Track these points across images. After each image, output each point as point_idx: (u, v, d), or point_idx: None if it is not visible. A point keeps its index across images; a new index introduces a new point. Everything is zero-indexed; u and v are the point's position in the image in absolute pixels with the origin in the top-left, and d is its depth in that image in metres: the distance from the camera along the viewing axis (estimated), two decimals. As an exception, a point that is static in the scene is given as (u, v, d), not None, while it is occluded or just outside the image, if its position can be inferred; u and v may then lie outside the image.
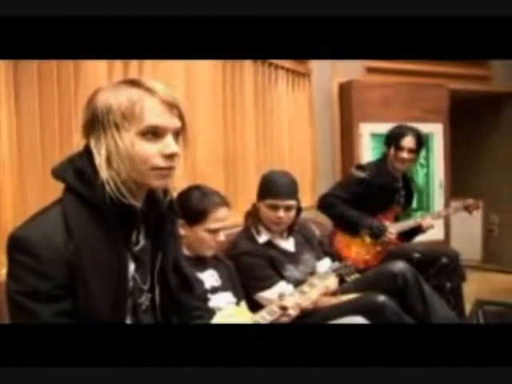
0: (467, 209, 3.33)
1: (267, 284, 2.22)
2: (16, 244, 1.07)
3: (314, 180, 4.23)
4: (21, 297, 1.05)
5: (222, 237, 1.95)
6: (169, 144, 1.11)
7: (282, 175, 2.38)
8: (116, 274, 1.13)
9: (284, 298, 1.90)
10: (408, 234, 3.24)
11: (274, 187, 2.30)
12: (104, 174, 1.08)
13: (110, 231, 1.12)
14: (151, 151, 1.10)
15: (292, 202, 2.31)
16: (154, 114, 1.10)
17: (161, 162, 1.11)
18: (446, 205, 4.58)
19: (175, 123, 1.13)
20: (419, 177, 4.68)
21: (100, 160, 1.09)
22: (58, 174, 1.14)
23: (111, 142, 1.09)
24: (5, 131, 1.77)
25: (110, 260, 1.12)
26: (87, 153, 1.12)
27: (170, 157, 1.12)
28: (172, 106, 1.12)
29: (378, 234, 3.05)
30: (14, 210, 1.80)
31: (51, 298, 1.05)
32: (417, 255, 2.96)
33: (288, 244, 2.43)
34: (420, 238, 3.34)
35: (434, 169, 4.73)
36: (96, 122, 1.10)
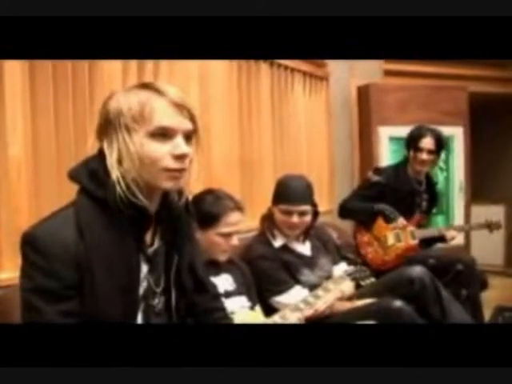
0: (489, 227, 3.30)
1: (282, 288, 2.21)
2: (27, 241, 1.09)
3: (331, 184, 4.19)
4: (28, 294, 1.07)
5: (235, 241, 1.94)
6: (179, 145, 1.11)
7: (296, 180, 2.35)
8: (127, 275, 1.14)
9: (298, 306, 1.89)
10: (427, 242, 3.20)
11: (287, 192, 2.29)
12: (114, 174, 1.10)
13: (121, 232, 1.13)
14: (161, 152, 1.11)
15: (306, 207, 2.29)
16: (163, 114, 1.11)
17: (171, 163, 1.11)
18: (467, 215, 4.61)
19: (186, 125, 1.13)
20: (439, 180, 4.61)
21: (111, 161, 1.11)
22: (72, 175, 1.17)
23: (122, 144, 1.11)
24: (20, 132, 1.79)
25: (121, 261, 1.12)
26: (101, 155, 1.15)
27: (181, 158, 1.12)
28: (182, 108, 1.13)
29: (390, 217, 3.03)
30: (29, 214, 1.81)
31: (57, 297, 1.06)
32: (432, 261, 2.90)
33: (304, 248, 2.41)
34: (439, 244, 3.30)
35: (454, 172, 4.67)
36: (108, 126, 1.13)
